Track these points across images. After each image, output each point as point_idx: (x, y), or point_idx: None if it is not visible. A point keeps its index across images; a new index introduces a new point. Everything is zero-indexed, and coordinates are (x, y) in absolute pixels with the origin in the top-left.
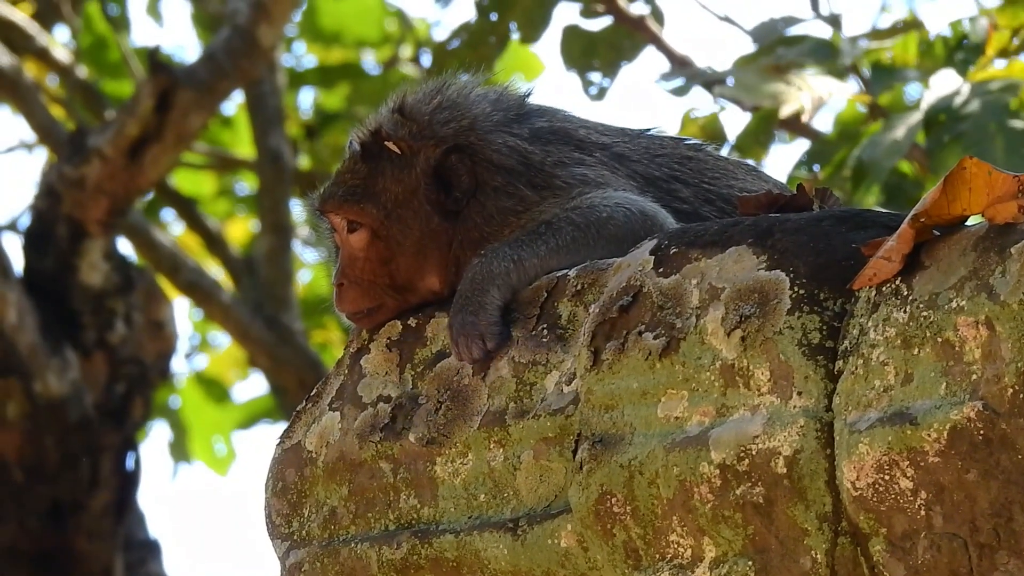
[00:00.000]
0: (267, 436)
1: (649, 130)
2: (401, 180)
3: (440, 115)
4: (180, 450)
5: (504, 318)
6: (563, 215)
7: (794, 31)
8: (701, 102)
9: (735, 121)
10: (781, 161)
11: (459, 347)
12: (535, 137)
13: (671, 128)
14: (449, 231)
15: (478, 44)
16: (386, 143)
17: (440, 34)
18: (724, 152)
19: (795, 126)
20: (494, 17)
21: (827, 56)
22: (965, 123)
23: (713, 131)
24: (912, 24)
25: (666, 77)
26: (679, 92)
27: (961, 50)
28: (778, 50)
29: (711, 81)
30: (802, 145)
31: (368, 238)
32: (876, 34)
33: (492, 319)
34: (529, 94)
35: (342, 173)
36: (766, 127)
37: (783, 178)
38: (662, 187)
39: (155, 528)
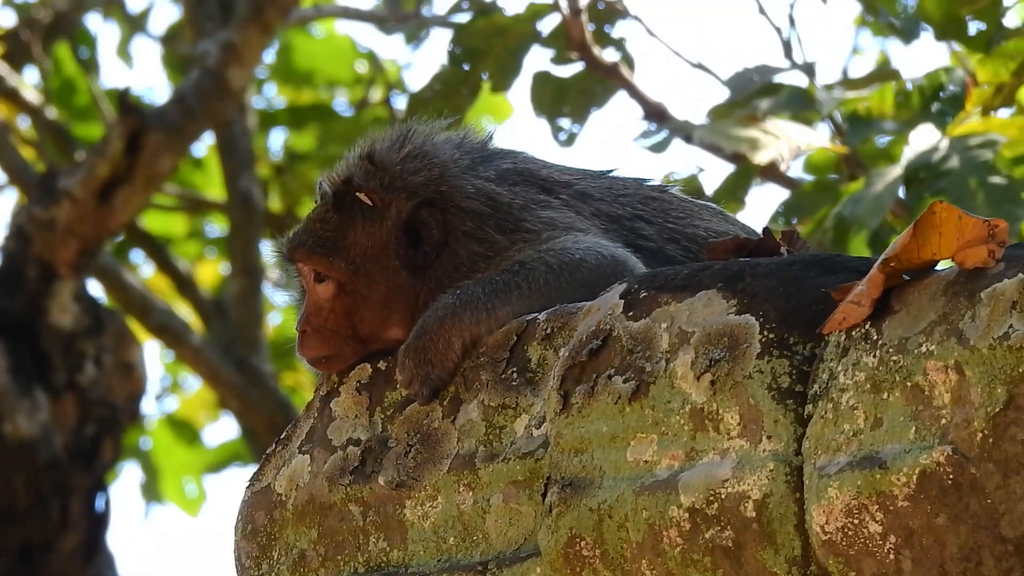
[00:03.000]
0: (238, 479)
1: (611, 171)
2: (371, 233)
3: (410, 164)
4: (151, 491)
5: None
6: (536, 256)
7: (769, 79)
8: (678, 159)
9: (712, 171)
10: (756, 211)
11: (407, 382)
12: (501, 178)
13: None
14: (417, 284)
15: (451, 94)
16: (358, 194)
17: (411, 77)
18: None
19: (771, 173)
20: (466, 67)
21: (803, 106)
22: (945, 179)
23: (693, 191)
24: (887, 74)
25: (645, 135)
26: (657, 149)
27: (938, 101)
28: (754, 101)
29: (688, 133)
30: (777, 193)
31: (334, 290)
32: (852, 84)
33: (448, 370)
34: (491, 136)
35: (313, 221)
36: (744, 182)
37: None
38: (625, 225)
39: (125, 570)
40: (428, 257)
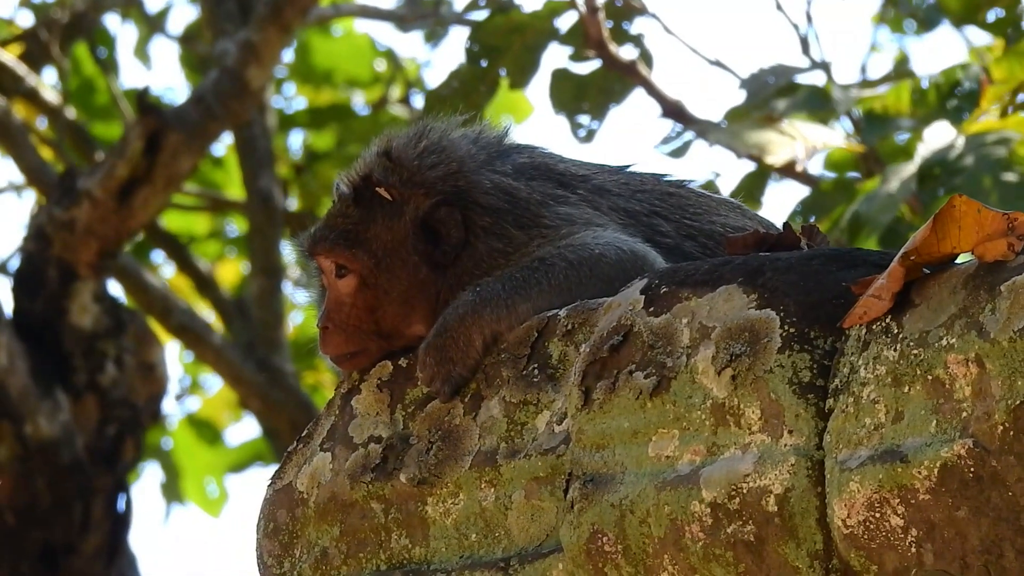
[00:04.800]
0: (259, 478)
1: (629, 166)
2: (391, 228)
3: (427, 160)
4: (173, 491)
5: (478, 361)
6: (556, 252)
7: (785, 79)
8: (695, 164)
9: (730, 171)
10: (773, 208)
11: (428, 380)
12: (518, 173)
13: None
14: (437, 280)
15: (469, 91)
16: (377, 189)
17: (430, 75)
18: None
19: (790, 171)
20: (484, 63)
21: (820, 105)
22: (959, 177)
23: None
24: (904, 73)
25: (665, 141)
26: (677, 154)
27: (954, 98)
28: (771, 103)
29: (705, 136)
30: (796, 191)
31: (356, 284)
32: (868, 83)
33: (469, 367)
34: (508, 131)
35: (333, 216)
36: (760, 183)
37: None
38: (643, 221)
39: (147, 570)
40: (448, 255)
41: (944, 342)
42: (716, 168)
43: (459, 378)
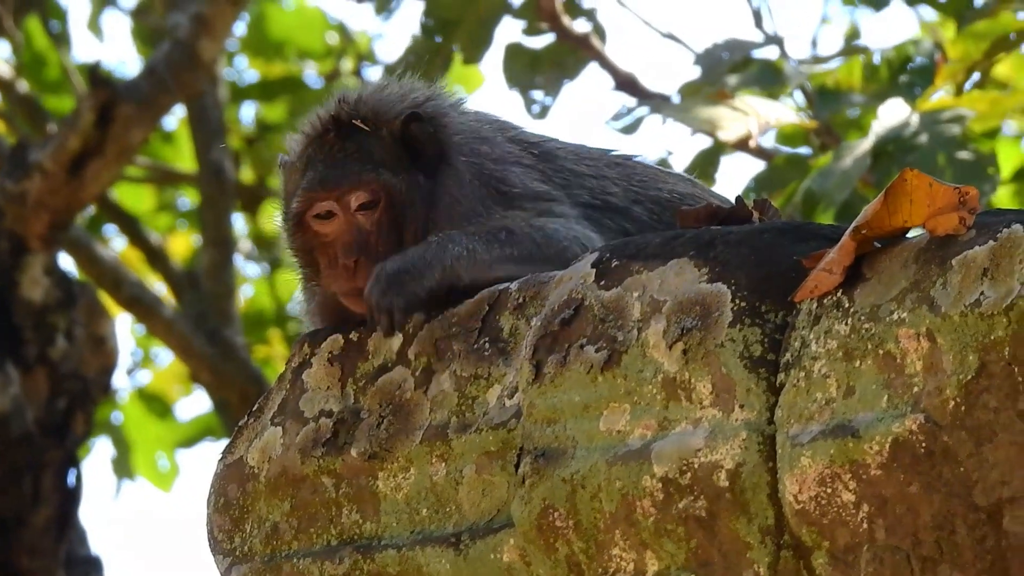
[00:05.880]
0: (210, 453)
1: (579, 143)
2: (384, 152)
3: (391, 96)
4: (123, 466)
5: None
6: (526, 228)
7: (739, 54)
8: (648, 140)
9: (682, 149)
10: (727, 184)
11: (380, 294)
12: (478, 121)
13: None
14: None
15: (423, 65)
16: (354, 121)
17: (382, 47)
18: None
19: (742, 147)
20: (438, 38)
21: (772, 81)
22: (914, 154)
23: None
24: (856, 48)
25: (616, 116)
26: (629, 131)
27: (906, 73)
28: (724, 78)
29: (658, 113)
30: (749, 166)
31: (381, 211)
32: (820, 59)
33: (420, 295)
34: (459, 96)
35: (332, 154)
36: (713, 159)
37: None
38: (590, 184)
39: (97, 545)
40: (429, 167)
41: (895, 316)
42: (669, 145)
43: (412, 296)
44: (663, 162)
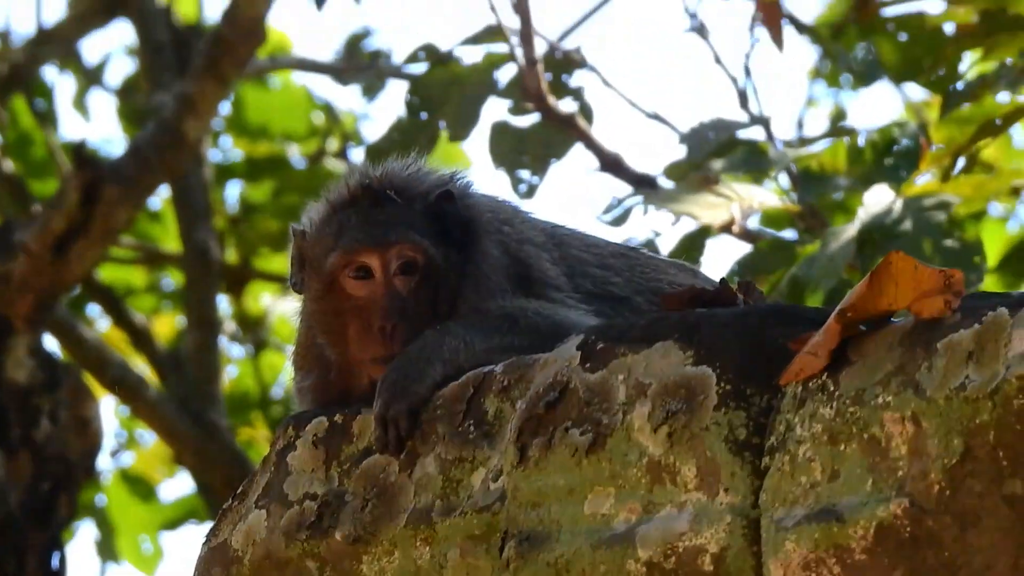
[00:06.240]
0: (194, 535)
1: (583, 231)
2: (420, 222)
3: (417, 173)
4: (107, 549)
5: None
6: (533, 317)
7: (725, 134)
8: (636, 224)
9: (668, 232)
10: (713, 267)
11: (384, 406)
12: (495, 202)
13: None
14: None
15: (409, 144)
16: (387, 191)
17: (367, 128)
18: None
19: (727, 230)
20: (424, 116)
21: (757, 164)
22: (899, 241)
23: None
24: (841, 129)
25: (607, 210)
26: (618, 223)
27: (891, 156)
28: (709, 161)
29: (644, 201)
30: (734, 248)
31: (420, 276)
32: (805, 140)
33: (423, 394)
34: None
35: (370, 217)
36: (698, 244)
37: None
38: (595, 273)
39: None
40: (458, 242)
41: (880, 400)
42: (656, 227)
43: (416, 396)
44: (650, 243)
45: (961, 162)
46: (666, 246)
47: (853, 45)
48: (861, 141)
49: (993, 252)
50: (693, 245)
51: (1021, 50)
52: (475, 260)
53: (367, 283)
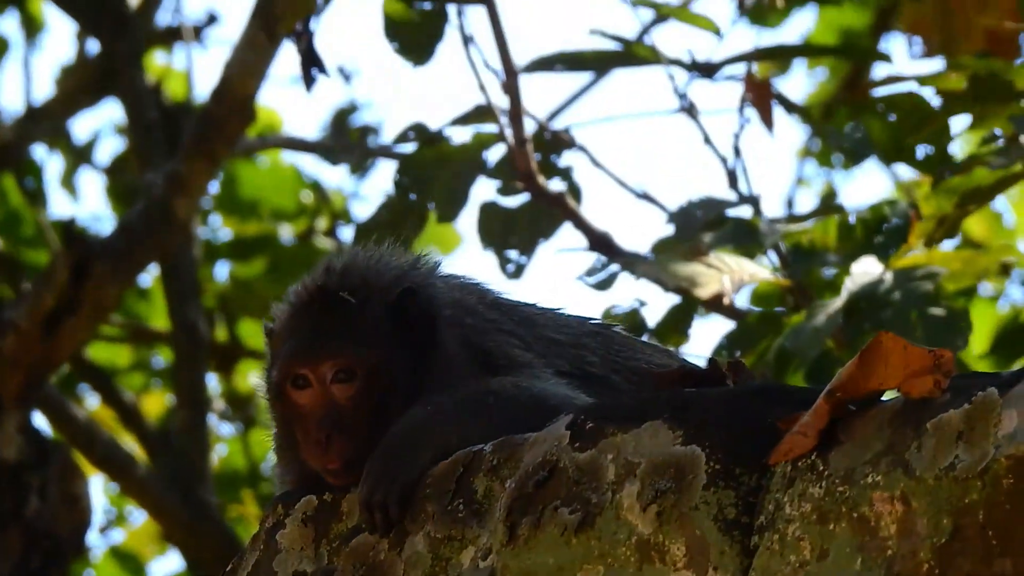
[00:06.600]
0: None
1: (558, 309)
2: (371, 326)
3: (377, 266)
4: None
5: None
6: (513, 391)
7: (713, 213)
8: (621, 294)
9: (655, 305)
10: (701, 343)
11: (370, 492)
12: (460, 289)
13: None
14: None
15: (397, 223)
16: (341, 293)
17: (357, 206)
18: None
19: (716, 306)
20: (413, 196)
21: (747, 239)
22: (886, 311)
23: (633, 323)
24: (831, 207)
25: (590, 272)
26: (602, 287)
27: (882, 234)
28: (698, 236)
29: (632, 270)
30: (722, 326)
31: (359, 386)
32: (795, 218)
33: (414, 478)
34: (438, 262)
35: (315, 324)
36: (685, 316)
37: (703, 361)
38: (569, 352)
39: None
40: (424, 342)
41: (870, 479)
42: (641, 298)
43: (405, 484)
44: (635, 313)
45: (953, 241)
46: (652, 317)
47: (843, 125)
48: (852, 219)
49: (984, 332)
50: (680, 318)
51: (1010, 116)
52: (434, 359)
53: (307, 392)
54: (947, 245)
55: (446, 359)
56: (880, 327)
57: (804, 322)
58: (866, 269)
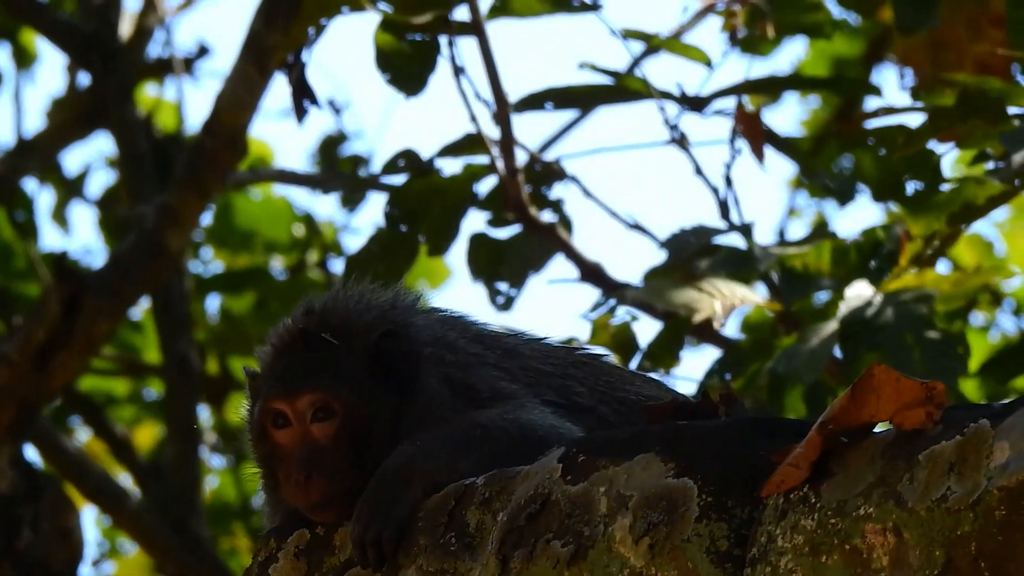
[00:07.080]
0: None
1: (544, 338)
2: (351, 367)
3: (359, 306)
4: None
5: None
6: (500, 423)
7: (706, 240)
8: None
9: (646, 329)
10: (691, 368)
11: (363, 529)
12: (441, 324)
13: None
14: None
15: (388, 256)
16: (323, 335)
17: (348, 239)
18: (635, 360)
19: (706, 332)
20: (403, 228)
21: (740, 264)
22: (881, 335)
23: (624, 339)
24: (824, 234)
25: (594, 308)
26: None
27: (875, 258)
28: (691, 262)
29: (623, 296)
30: (712, 352)
31: (338, 424)
32: (789, 243)
33: (406, 513)
34: (420, 296)
35: (291, 365)
36: (677, 337)
37: (694, 387)
38: (556, 383)
39: None
40: (405, 383)
41: (862, 511)
42: (632, 313)
43: (399, 520)
44: (626, 327)
45: (945, 266)
46: (644, 337)
47: (834, 158)
48: (846, 244)
49: (976, 362)
50: (671, 339)
51: (1001, 134)
52: (416, 398)
53: (287, 431)
54: (938, 270)
55: (428, 397)
56: (875, 351)
57: (797, 345)
58: (859, 292)
